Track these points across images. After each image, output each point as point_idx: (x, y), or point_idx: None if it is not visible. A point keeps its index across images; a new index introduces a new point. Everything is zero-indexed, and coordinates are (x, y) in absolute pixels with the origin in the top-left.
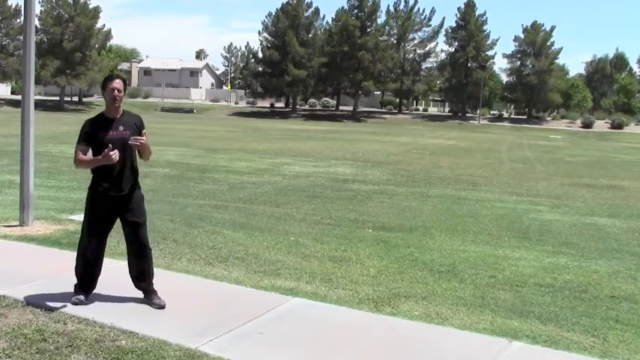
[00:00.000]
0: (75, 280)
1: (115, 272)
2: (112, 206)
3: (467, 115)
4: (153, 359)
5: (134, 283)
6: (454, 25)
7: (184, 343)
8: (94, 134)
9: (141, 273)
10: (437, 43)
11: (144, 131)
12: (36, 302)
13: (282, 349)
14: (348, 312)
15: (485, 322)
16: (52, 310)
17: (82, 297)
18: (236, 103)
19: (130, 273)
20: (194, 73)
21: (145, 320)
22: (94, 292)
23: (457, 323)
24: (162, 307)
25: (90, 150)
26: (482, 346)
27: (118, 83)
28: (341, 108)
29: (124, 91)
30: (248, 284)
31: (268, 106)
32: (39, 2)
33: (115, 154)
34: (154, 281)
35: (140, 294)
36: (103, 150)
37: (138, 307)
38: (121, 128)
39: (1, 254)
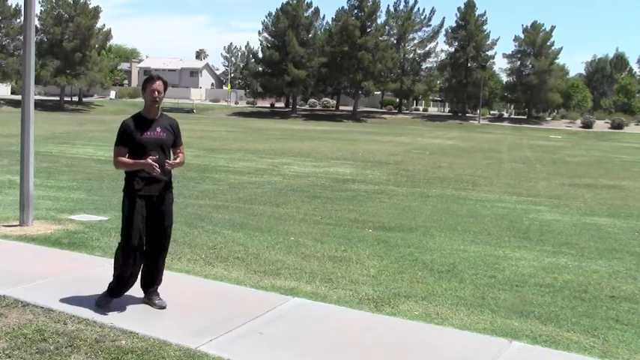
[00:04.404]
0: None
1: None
2: (147, 206)
3: (467, 115)
4: (153, 359)
5: (142, 284)
6: (454, 25)
7: (184, 343)
8: (132, 134)
9: (152, 275)
10: (437, 43)
11: (178, 151)
12: (36, 302)
13: (282, 349)
14: (348, 312)
15: (485, 322)
16: (52, 310)
17: (112, 302)
18: (236, 103)
19: (140, 273)
20: (194, 73)
21: (145, 320)
22: (92, 292)
23: (457, 323)
24: (163, 307)
25: (127, 151)
26: (482, 346)
27: (159, 85)
28: (341, 108)
29: (164, 92)
30: (248, 284)
31: (268, 106)
32: (39, 2)
33: (157, 169)
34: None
35: (140, 294)
36: (138, 150)
37: (138, 307)
38: (159, 129)
39: (1, 254)
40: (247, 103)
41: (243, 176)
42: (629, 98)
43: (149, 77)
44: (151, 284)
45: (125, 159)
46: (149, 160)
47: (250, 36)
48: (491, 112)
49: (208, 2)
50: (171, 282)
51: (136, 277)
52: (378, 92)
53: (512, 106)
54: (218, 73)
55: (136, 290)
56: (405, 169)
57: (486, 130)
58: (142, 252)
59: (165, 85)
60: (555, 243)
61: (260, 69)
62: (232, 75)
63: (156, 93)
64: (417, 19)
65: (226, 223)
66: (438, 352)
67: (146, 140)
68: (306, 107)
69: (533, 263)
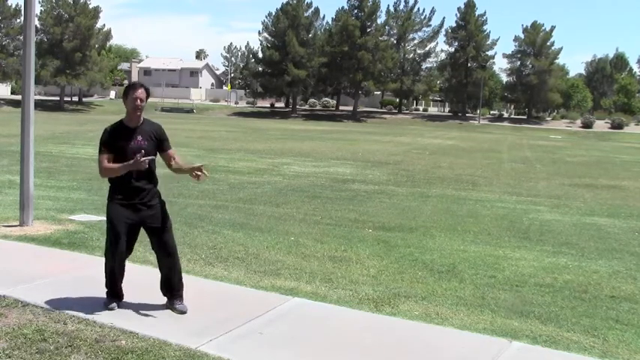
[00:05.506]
0: (93, 284)
1: None
2: (132, 215)
3: (467, 115)
4: (153, 359)
5: (163, 290)
6: (454, 25)
7: (184, 343)
8: (113, 143)
9: (166, 279)
10: (437, 43)
11: (171, 156)
12: (36, 302)
13: (282, 349)
14: (348, 312)
15: (485, 322)
16: (52, 310)
17: (115, 303)
18: (236, 103)
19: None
20: (194, 73)
21: (145, 320)
22: (92, 292)
23: (457, 323)
24: (183, 312)
25: (112, 157)
26: (482, 346)
27: (141, 92)
28: (341, 108)
29: (146, 100)
30: (248, 284)
31: (268, 106)
32: (39, 2)
33: (145, 161)
34: (159, 282)
35: (141, 294)
36: (121, 160)
37: (138, 307)
38: (140, 138)
39: (1, 254)
40: (247, 103)
41: (243, 176)
42: (629, 98)
43: (131, 85)
44: (168, 288)
45: (111, 165)
46: (136, 158)
47: (250, 36)
48: (491, 112)
49: (208, 2)
50: None
51: (122, 278)
52: (378, 92)
53: (512, 106)
54: (218, 73)
55: (136, 290)
56: (405, 169)
57: (486, 130)
58: (124, 260)
59: (148, 92)
60: (555, 243)
61: (260, 69)
62: (232, 75)
63: (138, 101)
64: (417, 19)
65: (226, 223)
66: (438, 352)
67: (128, 150)
68: (306, 107)
69: (533, 263)
